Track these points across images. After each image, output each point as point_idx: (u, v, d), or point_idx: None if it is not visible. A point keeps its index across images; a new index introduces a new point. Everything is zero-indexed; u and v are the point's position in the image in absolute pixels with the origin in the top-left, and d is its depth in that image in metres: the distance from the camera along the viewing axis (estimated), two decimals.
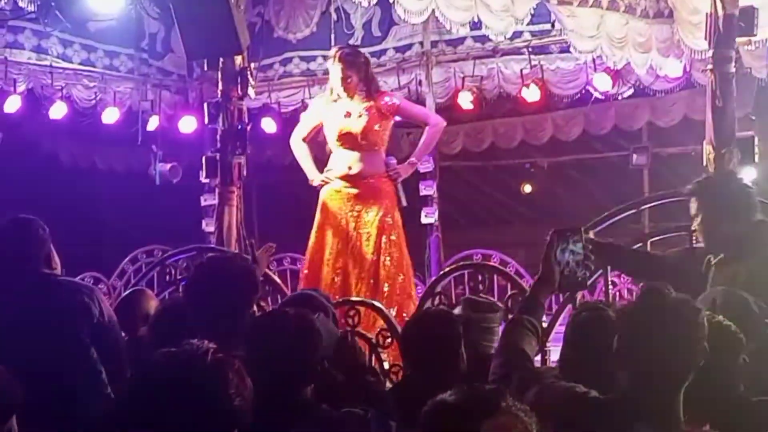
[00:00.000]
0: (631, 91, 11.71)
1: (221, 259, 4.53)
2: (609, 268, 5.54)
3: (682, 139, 12.84)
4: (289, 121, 12.99)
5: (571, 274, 3.48)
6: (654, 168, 14.43)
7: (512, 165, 16.40)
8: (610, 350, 3.19)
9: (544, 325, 5.49)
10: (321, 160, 8.03)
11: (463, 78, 11.76)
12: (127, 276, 12.09)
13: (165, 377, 2.42)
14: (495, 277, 7.44)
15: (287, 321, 3.52)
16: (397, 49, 11.93)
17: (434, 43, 11.92)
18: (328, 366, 3.77)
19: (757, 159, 7.60)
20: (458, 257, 11.41)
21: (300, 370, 3.42)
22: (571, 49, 9.83)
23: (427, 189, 11.45)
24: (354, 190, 7.57)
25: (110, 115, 12.53)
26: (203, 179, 11.43)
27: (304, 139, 7.99)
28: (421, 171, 8.25)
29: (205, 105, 9.93)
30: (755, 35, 7.56)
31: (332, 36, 12.30)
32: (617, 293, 9.48)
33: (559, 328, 5.23)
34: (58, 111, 12.10)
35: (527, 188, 17.08)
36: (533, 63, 11.33)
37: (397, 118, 7.96)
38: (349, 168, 7.58)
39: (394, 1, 8.15)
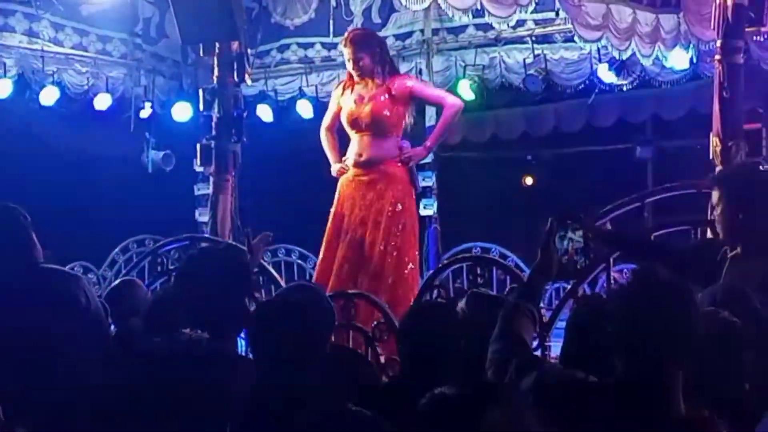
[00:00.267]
0: (637, 82, 11.69)
1: (213, 249, 4.54)
2: (611, 261, 5.54)
3: (688, 132, 12.81)
4: (286, 110, 13.00)
5: (570, 263, 3.48)
6: (659, 161, 14.44)
7: (513, 157, 16.40)
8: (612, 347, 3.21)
9: (545, 320, 5.51)
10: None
11: (465, 67, 11.75)
12: (117, 266, 12.11)
13: (158, 366, 2.43)
14: (494, 270, 7.45)
15: (298, 303, 3.56)
16: (397, 37, 11.92)
17: (435, 31, 11.91)
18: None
19: (765, 152, 7.60)
20: (457, 250, 11.42)
21: (309, 354, 3.46)
22: (576, 39, 9.82)
23: (426, 180, 11.45)
24: (365, 178, 7.54)
25: (102, 101, 12.50)
26: (197, 168, 11.41)
27: (328, 128, 7.91)
28: (420, 161, 8.19)
29: (200, 91, 9.94)
30: (765, 26, 7.55)
31: (331, 22, 12.30)
32: None
33: (561, 324, 5.22)
34: (49, 96, 12.07)
35: (528, 180, 17.08)
36: (536, 52, 11.32)
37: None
38: (359, 155, 7.55)
39: None
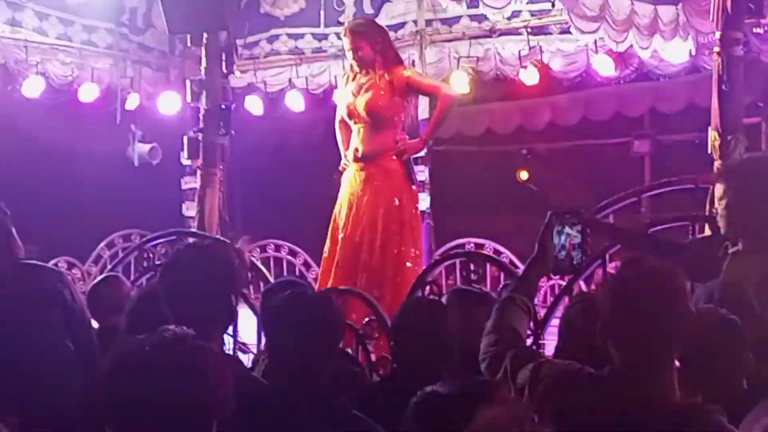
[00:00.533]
0: (634, 75, 11.69)
1: (199, 245, 4.54)
2: (607, 257, 5.54)
3: (686, 126, 12.82)
4: (275, 102, 12.99)
5: (566, 258, 3.47)
6: (656, 156, 14.43)
7: (508, 151, 16.38)
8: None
9: (539, 317, 5.51)
10: None
11: (458, 59, 11.73)
12: (103, 261, 12.08)
13: (142, 364, 2.41)
14: (488, 266, 7.45)
15: (312, 302, 3.60)
16: (390, 28, 11.82)
17: (428, 22, 11.89)
18: None
19: (765, 147, 7.61)
20: (450, 246, 11.41)
21: (323, 354, 3.50)
22: (572, 30, 9.82)
23: (419, 174, 11.44)
24: (363, 173, 7.52)
25: (88, 93, 12.47)
26: (184, 161, 11.43)
27: (341, 120, 7.85)
28: (415, 155, 8.15)
29: (188, 83, 9.92)
30: (765, 17, 7.55)
31: (322, 12, 12.29)
32: None
33: (556, 321, 5.22)
34: (32, 88, 12.03)
35: (523, 175, 17.05)
36: (532, 44, 11.31)
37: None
38: (356, 149, 7.53)
39: None
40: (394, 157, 7.48)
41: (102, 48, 12.68)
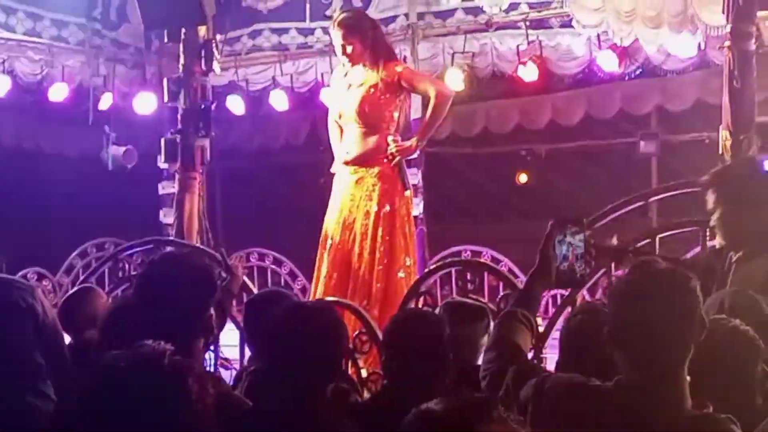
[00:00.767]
0: (640, 71, 11.72)
1: (174, 255, 4.54)
2: (613, 266, 5.55)
3: (695, 125, 12.86)
4: (258, 101, 12.99)
5: (569, 270, 3.47)
6: (664, 157, 14.45)
7: (506, 152, 16.39)
8: (610, 356, 3.24)
9: (540, 329, 5.51)
10: None
11: (453, 54, 11.75)
12: (75, 272, 12.06)
13: (117, 381, 2.41)
14: (486, 275, 7.45)
15: (316, 314, 3.65)
16: (380, 22, 11.91)
17: (421, 15, 11.92)
18: None
19: None
20: (445, 254, 11.42)
21: (326, 370, 3.57)
22: (574, 24, 9.84)
23: (411, 178, 11.44)
24: (353, 177, 7.50)
25: (58, 92, 12.46)
26: (161, 164, 11.43)
27: (335, 119, 7.80)
28: (408, 158, 8.11)
29: (165, 81, 9.93)
30: None
31: (307, 6, 12.32)
32: None
33: (557, 334, 5.23)
34: None
35: (523, 178, 17.07)
36: (531, 38, 11.33)
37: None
38: (347, 152, 7.52)
39: None
40: (386, 160, 7.45)
41: (73, 44, 12.68)
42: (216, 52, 9.46)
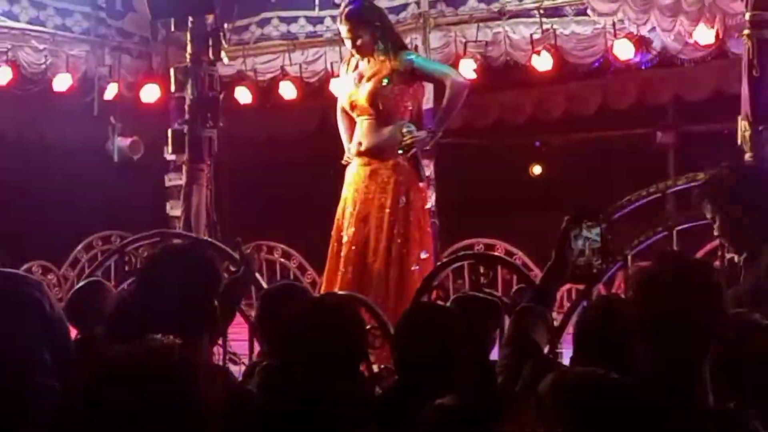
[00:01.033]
0: (656, 60, 11.69)
1: (176, 248, 4.55)
2: (629, 259, 5.56)
3: (714, 115, 12.84)
4: (266, 91, 12.99)
5: (586, 265, 3.48)
6: (681, 148, 14.45)
7: (520, 143, 16.41)
8: (625, 350, 3.24)
9: (555, 324, 5.52)
10: None
11: (465, 44, 11.74)
12: (80, 265, 12.11)
13: (126, 374, 2.42)
14: (499, 269, 7.45)
15: (334, 309, 3.69)
16: (390, 10, 11.86)
17: (432, 4, 11.90)
18: None
19: None
20: (458, 247, 11.43)
21: (344, 363, 3.58)
22: (589, 12, 9.82)
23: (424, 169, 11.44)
24: (367, 168, 7.48)
25: (62, 82, 12.48)
26: (168, 156, 11.42)
27: (343, 109, 7.79)
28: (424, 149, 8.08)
29: (172, 71, 9.95)
30: None
31: None
32: None
33: (572, 329, 5.24)
34: (2, 76, 12.04)
35: (537, 170, 17.10)
36: (545, 27, 11.31)
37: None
38: (360, 143, 7.50)
39: None
40: (401, 152, 7.43)
41: (77, 33, 12.69)
42: (224, 41, 9.48)
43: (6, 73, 12.04)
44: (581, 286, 6.01)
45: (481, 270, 6.77)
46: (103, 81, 12.79)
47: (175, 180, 12.03)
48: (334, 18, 11.35)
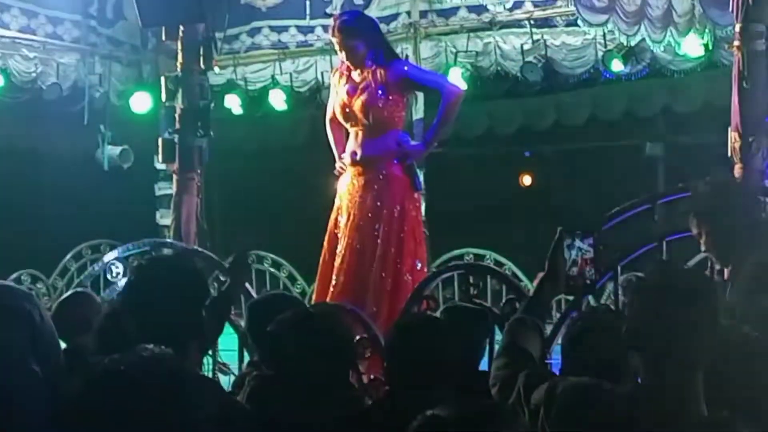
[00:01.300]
0: (646, 71, 11.72)
1: (161, 259, 4.54)
2: (619, 270, 5.56)
3: (703, 127, 12.84)
4: (257, 100, 12.99)
5: (578, 275, 3.48)
6: (670, 159, 14.47)
7: (510, 153, 16.41)
8: (613, 362, 3.22)
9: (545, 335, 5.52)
10: None
11: (456, 53, 11.76)
12: (69, 274, 12.05)
13: (117, 384, 2.41)
14: (489, 279, 7.44)
15: (322, 320, 3.73)
16: (381, 20, 11.87)
17: (423, 13, 11.93)
18: None
19: None
20: (448, 257, 11.42)
21: (332, 374, 3.63)
22: (579, 22, 9.84)
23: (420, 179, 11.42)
24: (362, 178, 7.45)
25: (52, 91, 12.46)
26: (158, 164, 11.42)
27: (332, 119, 7.77)
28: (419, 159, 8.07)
29: (162, 80, 9.93)
30: None
31: (307, 3, 12.32)
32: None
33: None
34: None
35: (526, 180, 17.10)
36: (535, 37, 11.33)
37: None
38: (354, 153, 7.48)
39: None
40: (397, 161, 7.42)
41: (68, 41, 12.68)
42: (214, 51, 9.47)
43: None
44: (570, 297, 6.01)
45: (471, 280, 6.77)
46: (94, 89, 12.78)
47: (165, 189, 12.04)
48: (324, 28, 11.37)
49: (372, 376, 5.72)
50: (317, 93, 12.36)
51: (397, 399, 3.99)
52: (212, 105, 9.78)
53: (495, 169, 16.32)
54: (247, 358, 5.85)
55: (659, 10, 9.47)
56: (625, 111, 13.66)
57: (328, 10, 11.97)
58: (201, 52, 9.34)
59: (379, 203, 7.36)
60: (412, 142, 7.53)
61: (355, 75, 7.46)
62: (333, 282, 7.32)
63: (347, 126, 7.51)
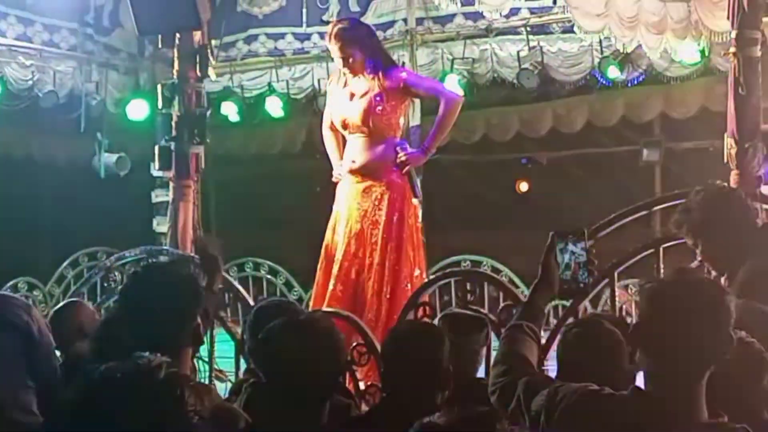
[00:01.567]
0: (643, 77, 11.73)
1: (156, 266, 4.55)
2: (615, 276, 5.56)
3: (700, 133, 12.87)
4: (253, 107, 13.00)
5: (572, 279, 3.48)
6: (667, 165, 14.47)
7: (507, 160, 16.41)
8: (608, 369, 3.22)
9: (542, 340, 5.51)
10: None
11: (452, 60, 11.76)
12: (66, 282, 12.04)
13: (113, 392, 2.41)
14: (486, 286, 7.44)
15: (317, 327, 3.72)
16: (377, 27, 11.88)
17: (419, 21, 11.93)
18: None
19: None
20: (444, 264, 11.42)
21: (327, 381, 3.64)
22: (575, 29, 9.84)
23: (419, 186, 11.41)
24: (360, 186, 7.44)
25: (49, 99, 12.46)
26: (155, 172, 11.41)
27: (330, 127, 7.76)
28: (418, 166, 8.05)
29: (159, 87, 9.91)
30: None
31: (303, 11, 12.31)
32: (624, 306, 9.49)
33: None
34: None
35: (523, 186, 17.10)
36: (532, 44, 11.34)
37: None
38: (353, 161, 7.47)
39: None
40: (395, 169, 7.41)
41: (65, 49, 12.69)
42: (211, 58, 9.46)
43: None
44: (567, 303, 6.01)
45: (468, 287, 6.77)
46: (90, 97, 12.79)
47: (161, 196, 12.04)
48: (321, 35, 11.38)
49: (369, 383, 5.72)
50: (314, 100, 12.36)
51: (393, 405, 3.99)
52: (209, 112, 9.76)
53: (492, 175, 16.33)
54: (243, 365, 5.85)
55: (655, 17, 9.47)
56: (622, 117, 13.66)
57: (324, 18, 11.97)
58: (197, 60, 9.33)
59: (377, 211, 7.36)
60: (410, 149, 7.52)
61: (352, 82, 7.45)
62: (330, 289, 7.32)
63: (345, 133, 7.50)
